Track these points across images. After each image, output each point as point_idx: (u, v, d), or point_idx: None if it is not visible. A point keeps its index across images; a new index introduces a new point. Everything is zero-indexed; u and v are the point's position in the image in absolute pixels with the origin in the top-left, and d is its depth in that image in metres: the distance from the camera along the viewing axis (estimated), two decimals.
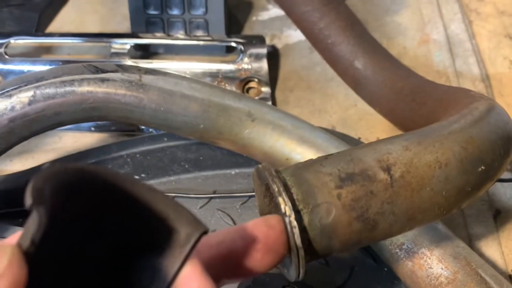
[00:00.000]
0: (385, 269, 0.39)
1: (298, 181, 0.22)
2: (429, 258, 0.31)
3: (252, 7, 0.57)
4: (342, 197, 0.22)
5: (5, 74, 0.52)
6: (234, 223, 0.43)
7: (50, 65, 0.50)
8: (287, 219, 0.21)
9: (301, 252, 0.21)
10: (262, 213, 0.26)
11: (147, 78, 0.37)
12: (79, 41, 0.53)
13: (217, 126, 0.39)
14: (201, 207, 0.44)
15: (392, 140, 0.25)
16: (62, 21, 0.60)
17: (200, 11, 0.52)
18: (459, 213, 0.41)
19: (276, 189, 0.22)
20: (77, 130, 0.48)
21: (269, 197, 0.23)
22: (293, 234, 0.21)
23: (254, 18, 0.57)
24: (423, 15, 0.53)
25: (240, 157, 0.45)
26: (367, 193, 0.22)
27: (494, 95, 0.46)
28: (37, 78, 0.35)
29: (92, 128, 0.48)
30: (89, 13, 0.60)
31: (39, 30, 0.59)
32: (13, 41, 0.52)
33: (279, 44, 0.54)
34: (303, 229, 0.21)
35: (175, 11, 0.52)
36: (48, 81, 0.35)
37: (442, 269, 0.30)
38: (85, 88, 0.35)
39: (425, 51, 0.50)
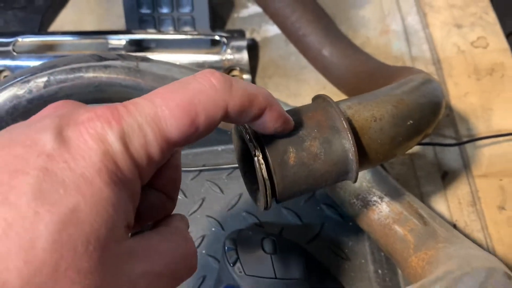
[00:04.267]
0: (350, 223, 0.46)
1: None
2: (380, 204, 0.38)
3: (233, 5, 0.64)
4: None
5: (13, 69, 0.59)
6: (222, 191, 0.50)
7: None
8: (256, 159, 0.28)
9: (267, 183, 0.28)
10: (239, 163, 0.33)
11: (143, 65, 0.43)
12: (80, 38, 0.60)
13: None
14: (192, 179, 0.51)
15: (339, 102, 0.32)
16: (62, 21, 0.66)
17: (187, 9, 0.58)
18: (412, 175, 0.48)
19: (248, 137, 0.28)
20: None
21: (243, 145, 0.30)
22: (261, 169, 0.28)
23: (235, 15, 0.63)
24: (384, 9, 0.60)
25: (226, 135, 0.52)
26: None
27: (444, 76, 0.54)
28: (50, 66, 0.41)
29: None
30: (87, 14, 0.67)
31: (41, 30, 0.65)
32: (20, 39, 0.58)
33: (258, 37, 0.61)
34: (268, 167, 0.28)
35: (165, 10, 0.59)
36: (60, 68, 0.41)
37: (389, 211, 0.37)
38: (91, 74, 0.42)
39: (385, 40, 0.58)
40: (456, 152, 0.48)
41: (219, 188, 0.50)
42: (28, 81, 0.41)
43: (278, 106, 0.26)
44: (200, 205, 0.49)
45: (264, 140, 0.28)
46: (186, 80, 0.23)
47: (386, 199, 0.38)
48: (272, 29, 0.61)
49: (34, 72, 0.41)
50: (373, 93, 0.33)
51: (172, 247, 0.24)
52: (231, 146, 0.52)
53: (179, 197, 0.48)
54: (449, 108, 0.51)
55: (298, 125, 0.29)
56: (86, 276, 0.18)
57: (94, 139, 0.20)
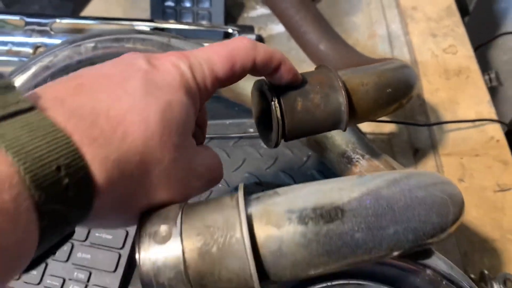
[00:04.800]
0: None
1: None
2: (362, 161, 0.47)
3: (244, 6, 0.74)
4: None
5: (49, 46, 0.67)
6: (228, 156, 0.58)
7: None
8: (272, 103, 0.36)
9: (280, 122, 0.36)
10: (255, 115, 0.41)
11: (174, 41, 0.52)
12: (109, 23, 0.68)
13: None
14: None
15: (336, 71, 0.41)
16: (91, 12, 0.75)
17: (206, 5, 0.68)
18: (389, 150, 0.57)
19: (267, 87, 0.37)
20: None
21: (261, 98, 0.39)
22: (276, 111, 0.36)
23: (245, 15, 0.73)
24: (372, 17, 0.71)
25: (233, 111, 0.61)
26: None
27: (420, 75, 0.64)
28: (98, 35, 0.50)
29: None
30: (114, 6, 0.75)
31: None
32: (58, 20, 0.67)
33: (264, 34, 0.70)
34: (281, 110, 0.37)
35: (187, 4, 0.68)
36: (106, 37, 0.50)
37: (368, 166, 0.46)
38: (130, 45, 0.50)
39: (372, 43, 0.68)
40: (426, 134, 0.58)
41: (226, 153, 0.58)
42: (79, 45, 0.49)
43: (289, 61, 0.35)
44: None
45: (279, 91, 0.37)
46: (226, 41, 0.32)
47: (366, 157, 0.47)
48: (276, 28, 0.70)
49: (84, 38, 0.49)
50: (362, 67, 0.43)
51: (209, 155, 0.33)
52: (237, 121, 0.61)
53: None
54: (423, 100, 0.61)
55: (305, 83, 0.38)
56: (176, 149, 0.27)
57: (173, 65, 0.29)
